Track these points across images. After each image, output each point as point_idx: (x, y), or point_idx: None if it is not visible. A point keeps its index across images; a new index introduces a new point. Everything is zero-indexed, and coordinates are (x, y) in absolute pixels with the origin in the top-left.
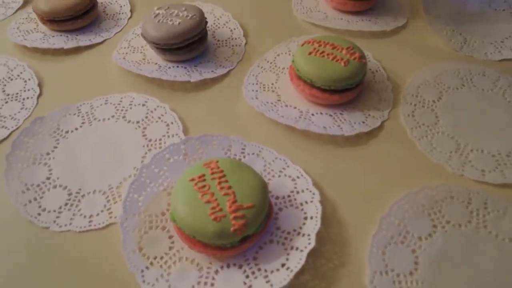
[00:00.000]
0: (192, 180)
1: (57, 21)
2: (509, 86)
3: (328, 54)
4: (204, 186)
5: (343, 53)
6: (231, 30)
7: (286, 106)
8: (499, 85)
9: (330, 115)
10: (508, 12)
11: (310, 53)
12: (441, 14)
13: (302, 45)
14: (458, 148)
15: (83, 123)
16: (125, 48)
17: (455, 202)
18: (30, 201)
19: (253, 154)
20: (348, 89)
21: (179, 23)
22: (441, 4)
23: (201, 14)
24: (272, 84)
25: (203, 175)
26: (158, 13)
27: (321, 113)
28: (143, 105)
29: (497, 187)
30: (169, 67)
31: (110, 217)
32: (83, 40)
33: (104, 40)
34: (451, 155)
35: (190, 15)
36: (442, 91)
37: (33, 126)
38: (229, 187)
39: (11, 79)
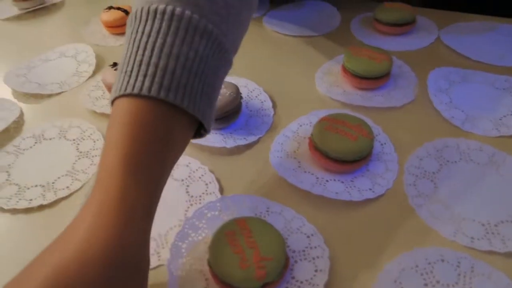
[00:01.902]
0: (226, 234)
1: None
2: (504, 161)
3: (340, 131)
4: (235, 240)
5: (353, 130)
6: (261, 102)
7: (305, 172)
8: (494, 160)
9: (342, 182)
10: (509, 91)
11: (326, 129)
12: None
13: (320, 121)
14: (452, 216)
15: None
16: None
17: (445, 265)
18: None
19: (275, 212)
20: (358, 160)
21: (219, 99)
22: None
23: (237, 91)
24: (294, 151)
25: (234, 231)
26: None
27: (334, 180)
28: (187, 165)
29: (484, 253)
30: (211, 133)
31: (159, 260)
32: None
33: None
34: (445, 222)
35: (228, 93)
36: (442, 164)
37: None
38: (254, 242)
39: (83, 139)
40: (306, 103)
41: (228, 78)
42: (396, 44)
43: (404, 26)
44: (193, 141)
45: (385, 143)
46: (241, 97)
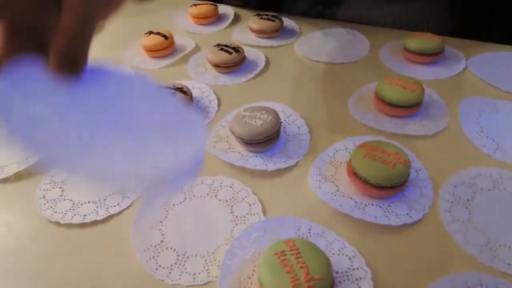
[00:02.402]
0: (276, 254)
1: None
2: None
3: (379, 158)
4: (285, 260)
5: (391, 158)
6: (298, 127)
7: (344, 196)
8: None
9: (380, 207)
10: None
11: (365, 156)
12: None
13: (358, 148)
14: (489, 242)
15: (185, 198)
16: (214, 137)
17: None
18: (150, 259)
19: (317, 234)
20: (396, 186)
21: (261, 124)
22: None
23: (277, 117)
24: (332, 176)
25: (284, 251)
26: (244, 115)
27: (373, 204)
28: (230, 187)
29: None
30: (250, 157)
31: (208, 276)
32: None
33: None
34: (482, 248)
35: (269, 118)
36: (475, 191)
37: (143, 208)
38: (304, 262)
39: None
40: (341, 129)
41: (267, 103)
42: (425, 73)
43: (433, 55)
44: (237, 163)
45: (419, 170)
46: (281, 122)
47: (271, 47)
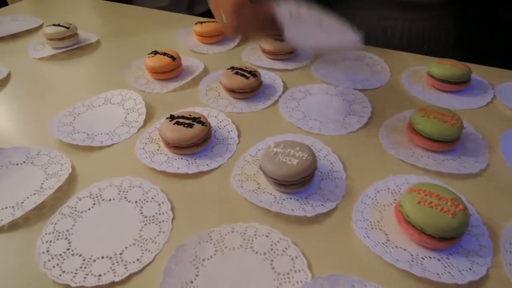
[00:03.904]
0: None
1: (181, 147)
2: None
3: (436, 205)
4: None
5: (449, 205)
6: (331, 163)
7: (396, 247)
8: None
9: (438, 260)
10: None
11: (419, 202)
12: None
13: (409, 192)
14: None
15: (216, 251)
16: (239, 175)
17: None
18: None
19: None
20: (454, 237)
21: (297, 163)
22: None
23: (313, 154)
24: (378, 221)
25: None
26: (277, 152)
27: (431, 257)
28: (267, 236)
29: None
30: (284, 199)
31: None
32: (202, 164)
33: (220, 165)
34: None
35: (305, 156)
36: None
37: (177, 253)
38: None
39: (147, 201)
40: (377, 165)
41: (295, 136)
42: (453, 102)
43: (460, 84)
44: (272, 208)
45: (472, 215)
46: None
47: (286, 70)
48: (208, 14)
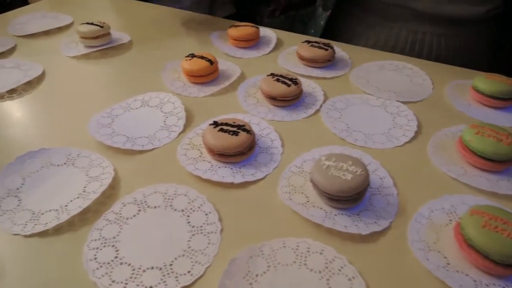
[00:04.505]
0: None
1: (226, 155)
2: None
3: (502, 230)
4: None
5: None
6: (380, 179)
7: (457, 271)
8: None
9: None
10: None
11: (483, 226)
12: None
13: (472, 215)
14: None
15: (268, 266)
16: (286, 186)
17: None
18: None
19: None
20: None
21: (351, 178)
22: None
23: (366, 169)
24: (435, 243)
25: None
26: (329, 165)
27: (494, 285)
28: (320, 253)
29: None
30: (336, 215)
31: None
32: (248, 174)
33: (265, 176)
34: None
35: (358, 171)
36: None
37: (230, 268)
38: None
39: (194, 211)
40: (429, 183)
41: (342, 149)
42: (501, 118)
43: (509, 100)
44: (325, 224)
45: None
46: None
47: (324, 78)
48: (229, 18)
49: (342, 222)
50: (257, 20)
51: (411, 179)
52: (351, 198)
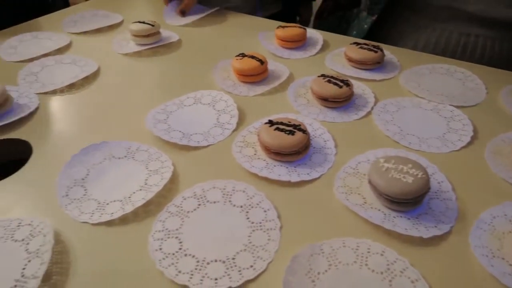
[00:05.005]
0: None
1: (282, 154)
2: None
3: None
4: None
5: None
6: (438, 183)
7: None
8: None
9: None
10: None
11: None
12: None
13: None
14: None
15: (329, 265)
16: (342, 187)
17: None
18: None
19: None
20: None
21: (412, 181)
22: None
23: (427, 173)
24: (498, 250)
25: None
26: (388, 167)
27: None
28: (381, 254)
29: None
30: (394, 217)
31: None
32: (303, 173)
33: (321, 175)
34: None
35: (419, 174)
36: None
37: (293, 264)
38: None
39: (252, 207)
40: (488, 188)
41: (397, 151)
42: None
43: None
44: (385, 226)
45: None
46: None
47: (374, 80)
48: (274, 17)
49: (402, 224)
50: (297, 20)
51: (469, 184)
52: (412, 201)
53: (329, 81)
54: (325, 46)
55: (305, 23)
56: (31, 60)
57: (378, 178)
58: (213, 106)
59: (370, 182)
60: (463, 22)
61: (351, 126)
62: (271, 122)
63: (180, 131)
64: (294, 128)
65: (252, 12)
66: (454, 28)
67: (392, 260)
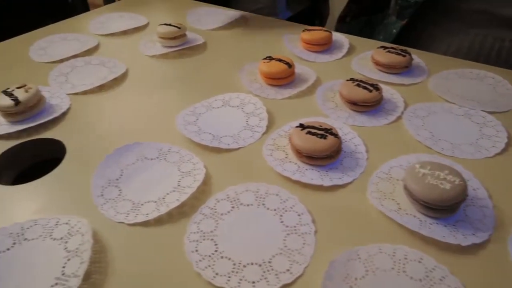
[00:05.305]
0: None
1: (314, 157)
2: None
3: None
4: None
5: None
6: (474, 190)
7: None
8: None
9: None
10: None
11: None
12: None
13: None
14: None
15: (367, 271)
16: (375, 192)
17: None
18: None
19: None
20: None
21: (450, 187)
22: None
23: (464, 179)
24: None
25: None
26: (424, 173)
27: None
28: (419, 261)
29: None
30: (430, 223)
31: None
32: (335, 178)
33: (353, 180)
34: None
35: (457, 181)
36: None
37: (330, 269)
38: None
39: (286, 211)
40: None
41: (431, 157)
42: None
43: None
44: (422, 232)
45: None
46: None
47: (402, 85)
48: (294, 18)
49: (439, 231)
50: (316, 23)
51: (506, 192)
52: (449, 208)
53: (358, 85)
54: (351, 50)
55: (322, 21)
56: (61, 61)
57: (414, 184)
58: (242, 108)
59: (405, 187)
60: (497, 26)
61: (381, 130)
62: (302, 126)
63: (210, 133)
64: (325, 132)
65: (282, 11)
66: (488, 33)
67: (431, 268)
